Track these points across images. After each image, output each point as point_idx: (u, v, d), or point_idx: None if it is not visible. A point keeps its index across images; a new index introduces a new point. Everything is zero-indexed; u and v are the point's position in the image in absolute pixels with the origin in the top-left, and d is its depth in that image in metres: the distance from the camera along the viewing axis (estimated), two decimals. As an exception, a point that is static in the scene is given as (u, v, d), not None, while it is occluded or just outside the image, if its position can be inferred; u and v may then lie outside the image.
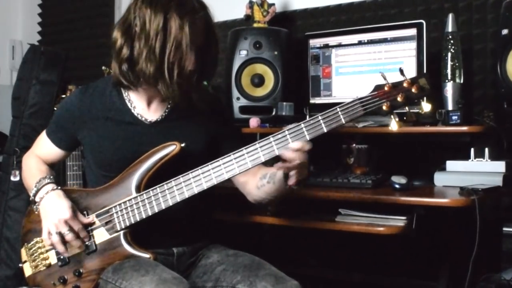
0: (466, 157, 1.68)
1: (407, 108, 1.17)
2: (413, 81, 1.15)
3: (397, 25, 1.85)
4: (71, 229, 1.24)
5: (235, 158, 1.18)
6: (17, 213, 2.08)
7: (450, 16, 1.77)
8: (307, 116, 1.95)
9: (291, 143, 1.14)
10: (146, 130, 1.32)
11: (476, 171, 1.64)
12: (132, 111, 1.32)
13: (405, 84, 1.15)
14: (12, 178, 2.11)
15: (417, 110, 1.22)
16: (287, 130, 1.16)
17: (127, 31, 1.23)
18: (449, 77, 1.74)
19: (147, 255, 1.24)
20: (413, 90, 1.14)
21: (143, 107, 1.33)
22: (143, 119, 1.32)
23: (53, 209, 1.25)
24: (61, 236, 1.24)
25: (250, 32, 2.02)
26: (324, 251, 2.05)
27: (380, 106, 1.15)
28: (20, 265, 1.36)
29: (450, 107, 1.74)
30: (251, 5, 2.10)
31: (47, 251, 1.31)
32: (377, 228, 1.52)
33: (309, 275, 1.35)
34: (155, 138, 1.29)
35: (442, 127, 1.68)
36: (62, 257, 1.28)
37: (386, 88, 1.15)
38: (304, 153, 1.15)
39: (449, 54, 1.75)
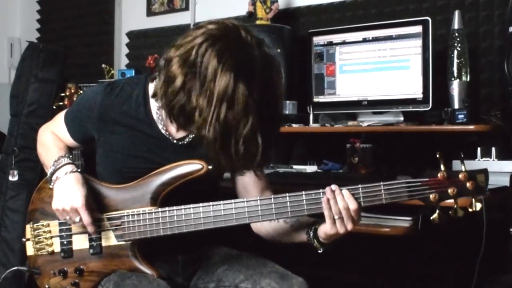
0: (473, 156, 1.67)
1: (456, 204, 1.07)
2: (470, 176, 1.06)
3: (403, 22, 1.83)
4: (80, 219, 1.20)
5: (260, 205, 1.13)
6: (16, 214, 2.06)
7: (456, 13, 1.75)
8: (311, 115, 1.94)
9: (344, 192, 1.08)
10: (170, 147, 1.24)
11: (482, 171, 1.62)
12: (160, 126, 1.24)
13: (460, 177, 1.06)
14: (10, 178, 2.09)
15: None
16: (322, 192, 1.10)
17: (188, 73, 1.05)
18: (455, 75, 1.73)
19: (150, 272, 1.21)
20: (468, 185, 1.05)
21: (171, 124, 1.22)
22: (170, 137, 1.24)
23: (67, 193, 1.20)
24: (72, 221, 1.22)
25: (252, 29, 1.98)
26: (328, 252, 2.03)
27: (427, 196, 1.07)
28: (24, 240, 1.33)
29: (456, 105, 1.72)
30: (253, 2, 2.09)
31: (52, 237, 1.28)
32: (382, 229, 1.51)
33: (313, 276, 1.32)
34: (177, 156, 1.22)
35: (448, 126, 1.66)
36: (65, 248, 1.26)
37: (439, 177, 1.07)
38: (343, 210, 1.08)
39: (455, 52, 1.73)
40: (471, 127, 1.62)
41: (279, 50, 1.97)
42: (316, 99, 1.96)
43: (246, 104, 1.02)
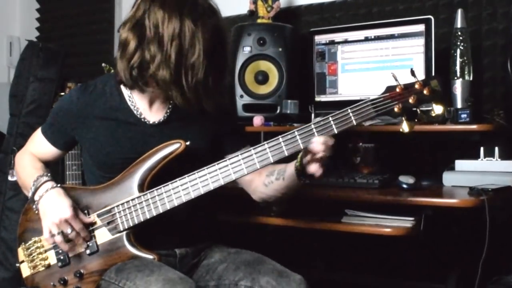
0: (476, 156, 1.66)
1: (418, 110, 1.17)
2: (425, 83, 1.15)
3: (405, 21, 1.82)
4: (72, 228, 1.22)
5: (243, 159, 1.16)
6: (15, 214, 2.05)
7: (459, 11, 1.74)
8: (312, 114, 1.93)
9: (317, 137, 1.13)
10: (148, 131, 1.29)
11: (485, 170, 1.61)
12: (134, 111, 1.30)
13: (416, 86, 1.15)
14: (9, 178, 2.09)
15: (428, 108, 1.21)
16: (296, 131, 1.14)
17: (140, 33, 1.18)
18: (458, 74, 1.72)
19: (150, 256, 1.22)
20: (425, 92, 1.15)
21: (144, 108, 1.30)
22: (146, 120, 1.30)
23: (53, 208, 1.23)
24: (64, 235, 1.22)
25: (254, 28, 1.99)
26: (329, 252, 2.03)
27: (391, 108, 1.15)
28: (17, 265, 1.33)
29: (459, 105, 1.71)
30: (255, 1, 2.08)
31: (46, 251, 1.29)
32: (384, 229, 1.50)
33: (314, 277, 1.32)
34: (158, 139, 1.26)
35: (451, 126, 1.65)
36: (62, 257, 1.26)
37: (398, 90, 1.15)
38: (329, 147, 1.14)
39: (458, 51, 1.72)
40: (474, 126, 1.61)
41: (280, 49, 1.96)
42: (318, 99, 1.96)
43: (193, 37, 1.15)
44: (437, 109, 1.17)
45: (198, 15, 1.17)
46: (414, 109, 1.16)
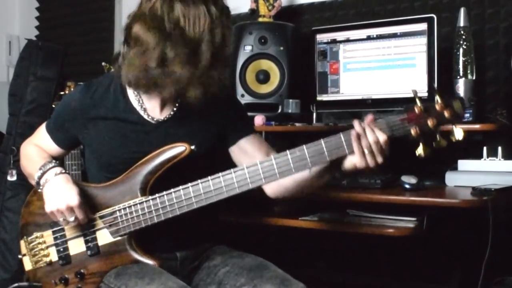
0: (479, 156, 1.65)
1: (437, 135, 1.07)
2: (446, 105, 1.06)
3: (407, 19, 1.81)
4: (75, 217, 1.21)
5: (248, 173, 1.13)
6: (14, 214, 2.04)
7: (462, 10, 1.73)
8: (314, 114, 1.92)
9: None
10: (152, 129, 1.27)
11: (488, 170, 1.60)
12: (138, 109, 1.28)
13: (437, 108, 1.07)
14: (9, 178, 2.08)
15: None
16: (305, 146, 1.11)
17: (160, 30, 1.13)
18: (461, 73, 1.71)
19: (151, 262, 1.21)
20: (446, 114, 1.06)
21: (154, 105, 1.28)
22: (150, 118, 1.27)
23: (60, 193, 1.21)
24: (66, 222, 1.22)
25: (255, 26, 1.98)
26: (332, 253, 2.02)
27: (408, 131, 1.07)
28: (20, 256, 1.33)
29: (461, 104, 1.69)
30: (256, -1, 2.06)
31: (47, 247, 1.28)
32: (386, 229, 1.50)
33: (316, 278, 1.31)
34: (161, 138, 1.25)
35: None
36: (63, 255, 1.26)
37: (416, 111, 1.07)
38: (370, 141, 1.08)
39: (461, 50, 1.71)
40: (477, 126, 1.60)
41: (282, 48, 1.95)
42: (319, 98, 1.94)
43: (199, 22, 1.13)
44: (458, 133, 1.05)
45: (220, 7, 1.18)
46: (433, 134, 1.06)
